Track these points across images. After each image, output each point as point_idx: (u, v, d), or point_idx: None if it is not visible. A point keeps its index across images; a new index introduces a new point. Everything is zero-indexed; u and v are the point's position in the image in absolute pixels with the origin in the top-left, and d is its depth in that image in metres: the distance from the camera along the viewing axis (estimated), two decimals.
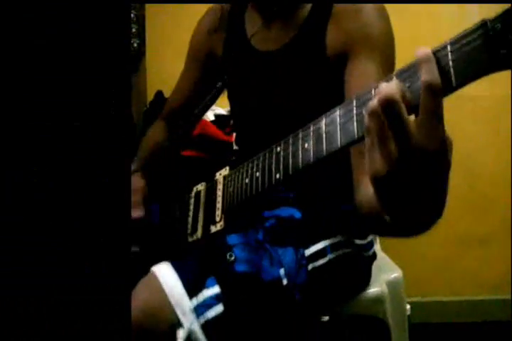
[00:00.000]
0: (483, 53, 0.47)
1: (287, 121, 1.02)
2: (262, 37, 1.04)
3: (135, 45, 1.96)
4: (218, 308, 0.80)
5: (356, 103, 0.61)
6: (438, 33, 2.10)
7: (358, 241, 1.00)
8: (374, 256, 1.08)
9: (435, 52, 0.51)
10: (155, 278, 0.82)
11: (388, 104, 0.49)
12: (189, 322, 0.78)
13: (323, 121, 0.67)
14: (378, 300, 1.12)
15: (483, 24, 0.47)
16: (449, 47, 0.50)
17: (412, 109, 0.51)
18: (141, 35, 2.05)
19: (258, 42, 1.05)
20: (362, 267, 1.05)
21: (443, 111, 0.49)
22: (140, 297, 0.80)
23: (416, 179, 0.51)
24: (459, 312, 2.13)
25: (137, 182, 1.09)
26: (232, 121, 1.83)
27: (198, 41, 1.17)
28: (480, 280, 2.15)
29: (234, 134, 1.68)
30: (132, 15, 1.94)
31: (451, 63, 0.50)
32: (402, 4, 1.88)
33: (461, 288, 2.17)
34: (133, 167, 1.15)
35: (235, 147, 1.55)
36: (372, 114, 0.51)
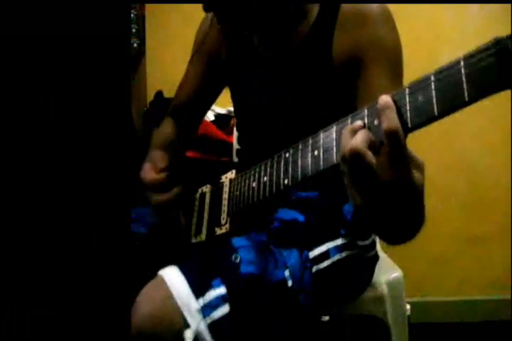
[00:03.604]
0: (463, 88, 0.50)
1: (290, 123, 1.02)
2: (267, 42, 1.03)
3: (135, 45, 1.96)
4: (224, 309, 0.80)
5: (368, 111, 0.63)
6: (438, 35, 2.11)
7: (360, 243, 0.99)
8: (376, 256, 1.07)
9: (395, 98, 0.56)
10: (162, 280, 0.82)
11: (355, 157, 0.56)
12: (196, 323, 0.78)
13: (334, 129, 0.68)
14: (378, 300, 1.12)
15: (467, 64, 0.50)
16: (432, 77, 0.53)
17: (382, 144, 0.57)
18: (141, 35, 2.05)
19: (263, 47, 1.04)
20: (365, 268, 1.05)
21: (406, 152, 0.56)
22: (147, 300, 0.80)
23: (389, 207, 0.59)
24: (459, 312, 2.13)
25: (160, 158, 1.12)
26: (232, 121, 1.83)
27: (201, 40, 1.16)
28: (480, 280, 2.15)
29: (235, 134, 1.68)
30: (132, 15, 1.94)
31: (434, 93, 0.53)
32: (400, 6, 1.87)
33: (461, 288, 2.17)
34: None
35: (237, 146, 1.55)
36: (343, 160, 0.58)
